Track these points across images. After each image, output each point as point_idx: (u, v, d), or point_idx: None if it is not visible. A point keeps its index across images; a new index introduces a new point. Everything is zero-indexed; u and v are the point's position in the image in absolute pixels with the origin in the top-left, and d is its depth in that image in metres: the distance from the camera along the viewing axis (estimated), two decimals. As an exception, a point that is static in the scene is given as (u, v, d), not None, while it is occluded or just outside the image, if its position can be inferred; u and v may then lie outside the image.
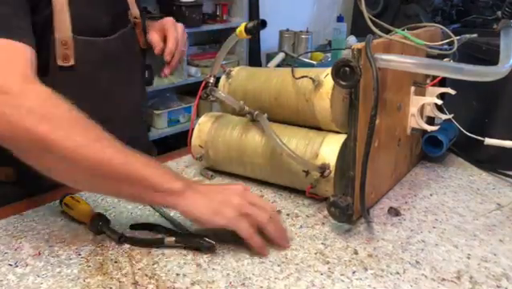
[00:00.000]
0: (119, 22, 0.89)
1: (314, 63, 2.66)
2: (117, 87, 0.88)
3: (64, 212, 0.74)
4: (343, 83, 0.64)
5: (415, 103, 0.81)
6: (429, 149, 0.89)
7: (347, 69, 0.63)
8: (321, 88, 0.74)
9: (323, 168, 0.71)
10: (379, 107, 0.70)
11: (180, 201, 0.62)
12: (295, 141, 0.76)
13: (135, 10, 0.93)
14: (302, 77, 0.77)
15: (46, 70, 0.78)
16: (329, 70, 0.78)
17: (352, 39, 2.97)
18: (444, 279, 0.58)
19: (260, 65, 2.83)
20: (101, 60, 0.85)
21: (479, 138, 0.78)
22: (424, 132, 0.85)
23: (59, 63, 0.79)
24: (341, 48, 2.87)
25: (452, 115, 0.81)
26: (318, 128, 0.78)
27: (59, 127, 0.60)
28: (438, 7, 3.20)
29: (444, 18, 3.15)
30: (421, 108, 0.82)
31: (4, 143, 0.62)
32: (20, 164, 0.68)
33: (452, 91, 0.81)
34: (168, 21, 0.94)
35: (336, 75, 0.65)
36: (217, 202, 0.63)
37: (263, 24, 0.83)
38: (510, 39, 0.75)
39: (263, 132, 0.78)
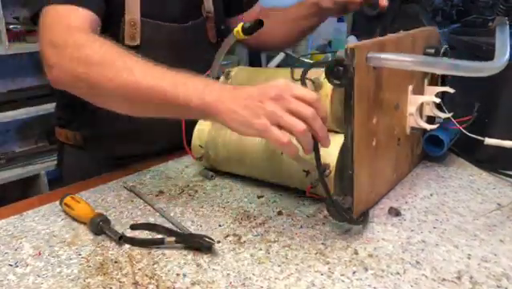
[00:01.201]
0: (190, 12, 0.93)
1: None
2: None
3: (64, 212, 0.74)
4: (337, 82, 0.65)
5: (413, 102, 0.81)
6: (430, 149, 0.88)
7: (341, 68, 0.64)
8: (321, 90, 0.74)
9: (324, 168, 0.71)
10: (374, 106, 0.70)
11: (213, 112, 0.63)
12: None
13: (208, 5, 0.97)
14: (304, 78, 0.76)
15: None
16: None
17: (352, 39, 2.97)
18: (444, 279, 0.58)
19: (260, 65, 2.82)
20: (166, 44, 0.90)
21: (479, 138, 0.78)
22: (425, 131, 0.85)
23: (126, 41, 0.87)
24: (330, 51, 2.87)
25: (451, 113, 0.81)
26: None
27: (92, 65, 0.68)
28: (438, 7, 3.20)
29: (444, 18, 3.14)
30: (420, 107, 0.82)
31: (67, 88, 0.74)
32: (86, 131, 0.93)
33: (450, 90, 0.81)
34: None
35: (330, 73, 0.65)
36: (248, 112, 0.60)
37: (260, 24, 0.85)
38: (505, 36, 0.75)
39: None
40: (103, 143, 0.98)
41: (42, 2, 0.77)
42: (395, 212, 0.73)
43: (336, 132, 0.76)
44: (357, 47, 0.64)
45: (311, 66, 0.81)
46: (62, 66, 0.71)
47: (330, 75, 0.65)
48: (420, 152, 0.92)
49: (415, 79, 0.82)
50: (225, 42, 0.82)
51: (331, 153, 0.73)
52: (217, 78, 0.86)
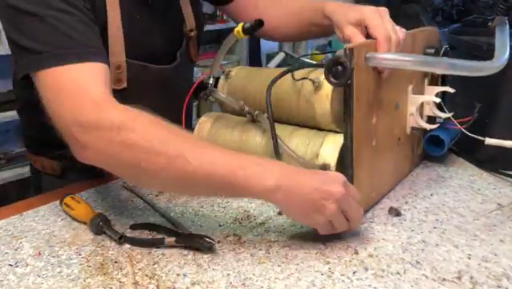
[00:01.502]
0: (174, 42, 0.89)
1: (315, 63, 2.65)
2: (166, 108, 0.84)
3: (64, 212, 0.74)
4: (335, 81, 0.65)
5: (413, 102, 0.81)
6: (431, 148, 0.88)
7: (339, 67, 0.64)
8: (321, 90, 0.74)
9: (324, 168, 0.71)
10: (374, 106, 0.70)
11: (273, 200, 0.61)
12: (296, 141, 0.76)
13: (190, 22, 0.92)
14: (302, 79, 0.77)
15: None
16: None
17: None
18: (444, 279, 0.58)
19: (260, 65, 2.83)
20: (153, 84, 0.85)
21: (479, 138, 0.78)
22: (425, 131, 0.85)
23: (113, 86, 0.78)
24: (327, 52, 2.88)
25: (452, 113, 0.81)
26: (319, 129, 0.78)
27: (140, 152, 0.60)
28: (438, 7, 3.20)
29: (444, 17, 3.14)
30: (420, 107, 0.82)
31: (105, 168, 0.64)
32: (64, 160, 0.83)
33: (451, 90, 0.81)
34: (369, 10, 0.75)
35: (328, 73, 0.65)
36: (308, 206, 0.60)
37: (260, 24, 0.85)
38: (505, 35, 0.75)
39: (263, 132, 0.78)
40: (83, 172, 0.85)
41: (41, 63, 0.64)
42: (395, 212, 0.73)
43: (336, 132, 0.76)
44: (356, 47, 0.64)
45: (312, 66, 0.82)
46: (100, 149, 0.61)
47: (329, 75, 0.65)
48: (421, 153, 0.92)
49: (414, 79, 0.82)
50: (225, 42, 0.81)
51: (331, 153, 0.73)
52: (217, 78, 0.86)
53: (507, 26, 0.79)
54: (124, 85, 0.82)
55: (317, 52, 2.86)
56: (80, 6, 0.68)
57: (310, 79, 0.76)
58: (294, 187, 0.60)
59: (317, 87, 0.75)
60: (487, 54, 0.78)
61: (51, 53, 0.64)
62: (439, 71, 0.81)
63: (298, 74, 0.78)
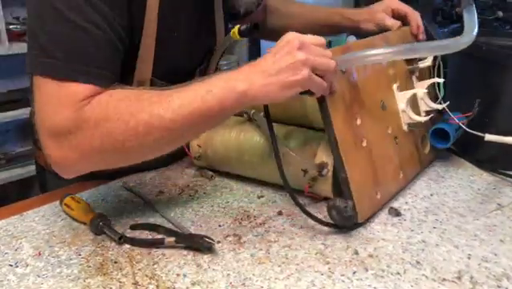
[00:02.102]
0: (197, 60, 0.88)
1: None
2: None
3: (64, 212, 0.74)
4: (306, 93, 0.63)
5: (401, 98, 0.81)
6: (437, 142, 0.87)
7: None
8: None
9: (322, 167, 0.71)
10: (354, 108, 0.71)
11: (250, 101, 0.61)
12: (293, 141, 0.77)
13: (220, 37, 0.90)
14: None
15: (128, 81, 0.78)
16: None
17: (352, 39, 2.97)
18: (444, 279, 0.58)
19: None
20: (174, 78, 0.82)
21: (479, 134, 0.78)
22: (430, 127, 0.85)
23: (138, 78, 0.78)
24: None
25: (447, 103, 0.80)
26: (313, 128, 0.78)
27: (116, 133, 0.61)
28: (438, 7, 3.20)
29: (444, 18, 3.14)
30: (412, 103, 0.82)
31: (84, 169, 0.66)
32: None
33: (439, 80, 0.81)
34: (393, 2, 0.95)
35: None
36: (286, 74, 0.60)
37: (256, 27, 0.85)
38: (472, 14, 0.75)
39: (260, 131, 0.78)
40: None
41: (51, 69, 0.63)
42: (395, 212, 0.73)
43: None
44: None
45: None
46: (81, 149, 0.62)
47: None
48: (430, 151, 0.91)
49: (399, 77, 0.82)
50: (222, 43, 0.82)
51: (328, 153, 0.72)
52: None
53: (474, 7, 0.78)
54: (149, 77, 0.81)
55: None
56: (115, 25, 0.66)
57: None
58: (260, 70, 0.61)
59: None
60: (487, 54, 0.78)
61: (65, 63, 0.63)
62: (404, 57, 0.79)
63: None
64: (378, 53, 0.65)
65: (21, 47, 2.09)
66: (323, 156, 0.73)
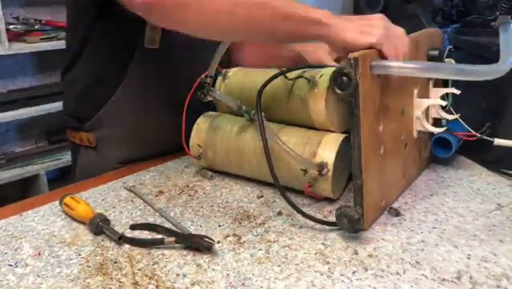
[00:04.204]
0: None
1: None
2: (195, 75, 0.87)
3: (64, 212, 0.74)
4: (341, 92, 0.63)
5: (419, 105, 0.80)
6: (438, 151, 0.87)
7: (345, 78, 0.62)
8: (316, 89, 0.74)
9: (322, 167, 0.72)
10: (380, 114, 0.69)
11: (329, 28, 0.66)
12: (293, 141, 0.77)
13: None
14: (298, 78, 0.77)
15: (134, 49, 0.88)
16: (324, 70, 0.78)
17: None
18: (444, 280, 0.58)
19: (260, 65, 2.82)
20: (184, 47, 0.89)
21: (489, 139, 0.77)
22: (432, 133, 0.84)
23: (146, 45, 0.87)
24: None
25: (458, 114, 0.80)
26: (315, 128, 0.78)
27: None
28: (438, 7, 3.20)
29: (444, 18, 3.14)
30: (426, 110, 0.82)
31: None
32: (99, 132, 0.94)
33: (456, 91, 0.79)
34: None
35: (334, 84, 0.64)
36: (363, 25, 0.67)
37: None
38: (510, 35, 0.74)
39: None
40: (113, 143, 0.98)
41: None
42: (395, 212, 0.73)
43: (332, 132, 0.76)
44: (361, 56, 0.62)
45: (308, 67, 0.82)
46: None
47: (334, 86, 0.64)
48: (428, 155, 0.91)
49: (419, 82, 0.81)
50: (223, 42, 0.82)
51: (328, 153, 0.73)
52: (214, 78, 0.86)
53: (511, 26, 0.77)
54: (156, 46, 0.88)
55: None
56: None
57: (305, 78, 0.76)
58: (346, 17, 0.68)
59: (312, 85, 0.75)
60: (497, 55, 0.77)
61: None
62: (444, 77, 0.79)
63: (292, 74, 0.78)
64: (414, 67, 0.66)
65: (21, 47, 2.09)
66: (323, 155, 0.73)
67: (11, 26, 2.14)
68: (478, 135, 0.81)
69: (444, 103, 0.79)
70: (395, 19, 0.76)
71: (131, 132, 0.97)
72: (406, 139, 0.79)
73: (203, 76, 0.83)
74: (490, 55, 0.83)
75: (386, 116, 0.71)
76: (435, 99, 0.82)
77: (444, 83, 0.87)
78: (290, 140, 0.77)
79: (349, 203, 0.77)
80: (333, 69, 0.76)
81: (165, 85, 0.76)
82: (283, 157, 0.74)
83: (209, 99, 0.84)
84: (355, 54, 0.63)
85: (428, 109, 0.83)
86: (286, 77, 0.79)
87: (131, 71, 0.91)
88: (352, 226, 0.65)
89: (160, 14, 0.69)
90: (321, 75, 0.76)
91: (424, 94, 0.83)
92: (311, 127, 0.79)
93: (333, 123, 0.76)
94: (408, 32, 0.74)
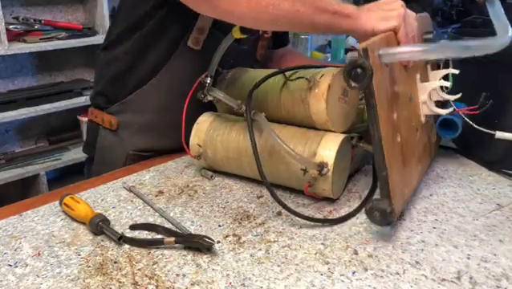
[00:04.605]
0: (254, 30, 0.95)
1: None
2: None
3: (64, 212, 0.74)
4: (357, 84, 0.62)
5: (422, 90, 0.80)
6: (444, 132, 0.86)
7: (359, 70, 0.62)
8: (316, 89, 0.74)
9: (322, 167, 0.72)
10: (393, 102, 0.69)
11: (357, 22, 0.73)
12: (294, 140, 0.77)
13: None
14: (298, 78, 0.77)
15: (177, 45, 0.92)
16: (324, 70, 0.78)
17: (352, 39, 2.97)
18: (444, 280, 0.58)
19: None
20: (223, 57, 0.91)
21: (490, 132, 0.77)
22: (437, 116, 0.84)
23: (189, 44, 0.91)
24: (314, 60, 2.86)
25: (459, 94, 0.79)
26: (315, 128, 0.78)
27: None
28: (438, 7, 3.20)
29: (444, 18, 3.14)
30: (429, 94, 0.81)
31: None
32: (123, 116, 0.98)
33: (455, 71, 0.79)
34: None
35: (349, 77, 0.63)
36: (382, 11, 0.74)
37: None
38: (497, 7, 0.74)
39: (261, 131, 0.78)
40: (133, 131, 1.01)
41: None
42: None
43: (332, 132, 0.76)
44: (369, 46, 0.62)
45: (309, 67, 0.82)
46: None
47: (349, 79, 0.63)
48: (436, 140, 0.90)
49: (419, 67, 0.81)
50: (223, 42, 0.82)
51: (328, 152, 0.73)
52: (215, 78, 0.86)
53: (498, 0, 0.77)
54: (199, 47, 0.92)
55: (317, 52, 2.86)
56: None
57: (305, 78, 0.76)
58: (369, 8, 0.75)
59: (312, 86, 0.75)
60: (499, 54, 0.76)
61: None
62: (451, 56, 0.78)
63: (293, 74, 0.78)
64: (422, 50, 0.67)
65: (21, 47, 2.09)
66: (323, 155, 0.73)
67: (11, 26, 2.14)
68: (481, 110, 0.80)
69: (448, 84, 0.79)
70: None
71: (152, 124, 0.99)
72: (416, 125, 0.79)
73: (203, 76, 0.83)
74: (490, 55, 0.83)
75: (397, 104, 0.71)
76: (438, 81, 0.81)
77: (445, 64, 0.86)
78: (291, 139, 0.77)
79: (349, 203, 0.77)
80: (333, 69, 0.76)
81: (190, 83, 0.79)
82: (283, 157, 0.74)
83: (210, 99, 0.84)
84: (364, 44, 0.63)
85: (431, 93, 0.82)
86: (286, 77, 0.79)
87: (168, 66, 0.94)
88: (385, 219, 0.64)
89: (209, 3, 0.74)
90: (321, 75, 0.76)
91: (425, 78, 0.83)
92: (312, 127, 0.79)
93: (333, 123, 0.76)
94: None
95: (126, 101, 0.99)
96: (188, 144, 0.87)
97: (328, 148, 0.73)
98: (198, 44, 0.92)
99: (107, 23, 2.29)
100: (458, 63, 0.93)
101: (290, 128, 0.80)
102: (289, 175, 0.77)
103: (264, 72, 0.85)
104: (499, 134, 0.77)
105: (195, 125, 0.88)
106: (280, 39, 1.18)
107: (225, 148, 0.84)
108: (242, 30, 0.78)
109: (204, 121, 0.87)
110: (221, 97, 0.83)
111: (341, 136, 0.75)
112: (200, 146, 0.86)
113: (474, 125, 0.79)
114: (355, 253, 0.63)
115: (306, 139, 0.76)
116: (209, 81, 0.83)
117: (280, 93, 0.80)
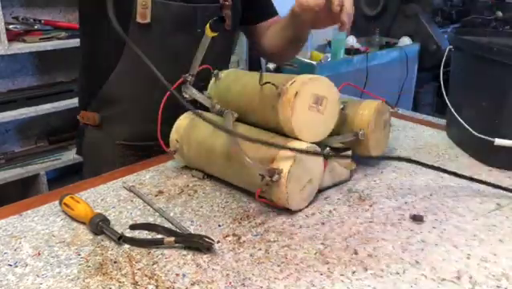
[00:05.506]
0: None
1: (314, 63, 2.66)
2: (189, 53, 0.89)
3: (64, 212, 0.74)
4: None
5: None
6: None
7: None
8: (284, 96, 0.73)
9: (272, 173, 0.69)
10: None
11: None
12: (258, 144, 0.74)
13: None
14: (266, 83, 0.76)
15: (127, 26, 0.92)
16: (296, 77, 0.76)
17: (352, 39, 2.97)
18: (444, 279, 0.58)
19: (259, 65, 2.82)
20: (174, 23, 0.94)
21: (489, 139, 0.77)
22: None
23: (138, 19, 0.92)
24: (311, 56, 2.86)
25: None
26: (286, 135, 0.76)
27: None
28: (438, 7, 3.20)
29: (443, 18, 3.15)
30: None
31: None
32: (103, 111, 1.02)
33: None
34: None
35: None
36: None
37: (221, 20, 0.92)
38: None
39: (233, 128, 0.78)
40: (114, 121, 1.04)
41: None
42: (415, 218, 0.71)
43: (297, 140, 0.74)
44: None
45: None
46: None
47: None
48: None
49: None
50: (201, 43, 0.84)
51: (285, 160, 0.70)
52: (204, 77, 0.86)
53: None
54: (148, 20, 0.92)
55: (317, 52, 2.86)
56: None
57: (273, 84, 0.74)
58: None
59: (280, 92, 0.73)
60: (499, 55, 0.76)
61: None
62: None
63: (266, 78, 0.78)
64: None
65: (21, 47, 2.09)
66: (280, 162, 0.70)
67: (11, 26, 2.14)
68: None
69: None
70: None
71: (129, 109, 1.02)
72: None
73: (187, 75, 0.85)
74: (490, 55, 0.83)
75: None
76: None
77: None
78: (256, 143, 0.73)
79: (349, 203, 0.77)
80: (310, 76, 0.75)
81: (158, 60, 0.77)
82: (242, 161, 0.72)
83: (185, 96, 0.85)
84: None
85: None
86: (259, 81, 0.77)
87: (125, 53, 0.95)
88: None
89: None
90: (292, 82, 0.74)
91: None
92: (284, 134, 0.76)
93: (300, 131, 0.73)
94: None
95: (100, 96, 1.02)
96: (164, 139, 0.87)
97: (287, 155, 0.71)
98: (146, 18, 0.93)
99: (106, 23, 2.29)
100: (458, 62, 0.94)
101: (259, 132, 0.78)
102: (249, 179, 0.74)
103: (252, 74, 0.84)
104: (498, 141, 0.77)
105: (177, 121, 0.88)
106: (263, 11, 1.17)
107: (198, 144, 0.84)
108: (211, 27, 0.80)
109: (185, 118, 0.89)
110: (195, 95, 0.84)
111: (304, 144, 0.73)
112: (177, 141, 0.87)
113: (473, 132, 0.79)
114: (355, 253, 0.63)
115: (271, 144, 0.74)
116: (189, 79, 0.85)
117: (256, 98, 0.80)
